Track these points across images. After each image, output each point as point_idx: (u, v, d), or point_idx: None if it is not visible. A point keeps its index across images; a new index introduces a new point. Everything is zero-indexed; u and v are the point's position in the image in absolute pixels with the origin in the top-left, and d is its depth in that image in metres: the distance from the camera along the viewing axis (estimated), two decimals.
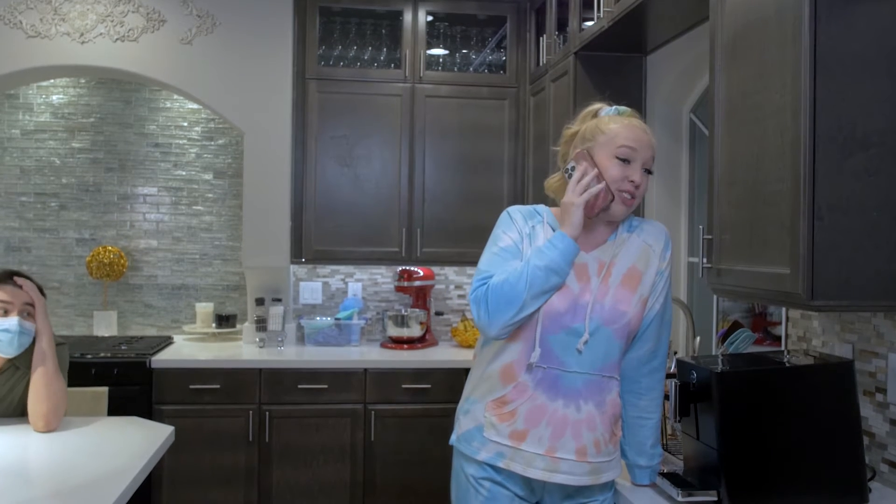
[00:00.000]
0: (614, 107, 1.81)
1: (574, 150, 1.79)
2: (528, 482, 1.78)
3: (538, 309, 1.70)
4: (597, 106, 1.83)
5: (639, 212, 3.29)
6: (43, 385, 2.33)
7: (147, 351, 3.64)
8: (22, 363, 2.44)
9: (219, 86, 3.86)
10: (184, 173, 4.33)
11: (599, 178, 1.72)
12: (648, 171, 1.75)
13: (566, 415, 1.71)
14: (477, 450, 1.77)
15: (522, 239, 1.79)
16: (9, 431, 2.32)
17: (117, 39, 3.80)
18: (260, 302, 3.97)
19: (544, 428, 1.71)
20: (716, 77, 1.96)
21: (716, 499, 1.70)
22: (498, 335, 1.73)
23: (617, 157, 1.72)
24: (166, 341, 4.01)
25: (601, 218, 1.78)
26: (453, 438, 1.87)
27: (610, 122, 1.76)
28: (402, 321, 4.01)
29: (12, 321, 2.35)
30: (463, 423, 1.83)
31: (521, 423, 1.72)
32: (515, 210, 1.85)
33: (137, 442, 2.25)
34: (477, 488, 1.79)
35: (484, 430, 1.76)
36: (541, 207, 1.86)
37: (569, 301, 1.72)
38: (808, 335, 2.23)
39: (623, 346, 1.78)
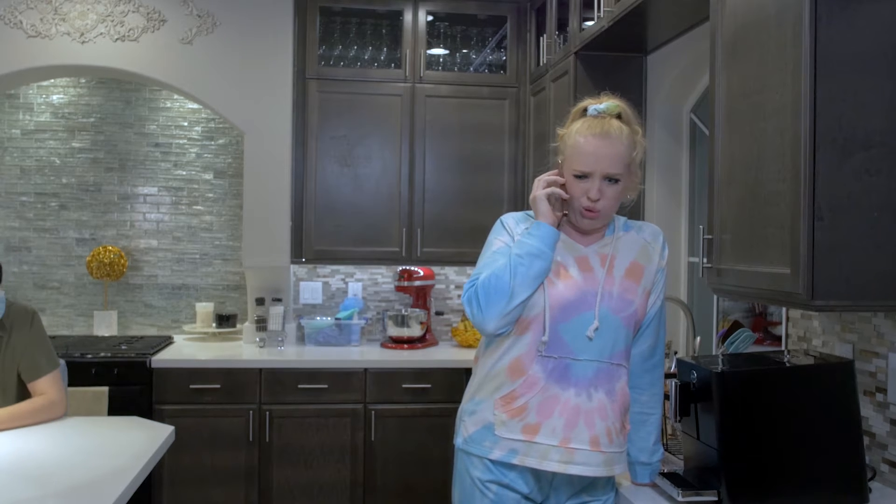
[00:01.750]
0: (594, 106, 1.79)
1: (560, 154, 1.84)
2: (537, 480, 1.78)
3: (530, 297, 1.73)
4: (584, 104, 1.83)
5: (639, 212, 3.29)
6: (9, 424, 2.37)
7: (147, 351, 3.64)
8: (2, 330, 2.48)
9: (219, 86, 3.86)
10: (184, 173, 4.33)
11: (564, 188, 1.77)
12: (613, 180, 1.74)
13: (578, 404, 1.73)
14: (489, 449, 1.77)
15: (514, 239, 1.81)
16: (9, 431, 2.32)
17: (117, 39, 3.80)
18: (260, 302, 3.97)
19: (557, 418, 1.72)
20: (716, 77, 1.96)
21: (716, 499, 1.70)
22: (495, 329, 1.75)
23: (574, 176, 1.74)
24: (166, 341, 4.02)
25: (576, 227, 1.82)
26: (459, 441, 1.86)
27: (577, 132, 1.76)
28: (402, 321, 4.01)
29: None
30: (469, 425, 1.83)
31: (534, 417, 1.73)
32: (508, 216, 1.90)
33: (138, 442, 2.25)
34: (483, 491, 1.78)
35: (495, 429, 1.76)
36: (532, 212, 1.88)
37: (576, 290, 1.76)
38: (808, 335, 2.23)
39: (631, 336, 1.81)
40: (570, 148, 1.76)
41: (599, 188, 1.72)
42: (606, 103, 1.78)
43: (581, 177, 1.73)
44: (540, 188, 1.77)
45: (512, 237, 1.82)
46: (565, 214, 1.81)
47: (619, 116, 1.77)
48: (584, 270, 1.78)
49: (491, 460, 1.77)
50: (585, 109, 1.80)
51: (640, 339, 1.86)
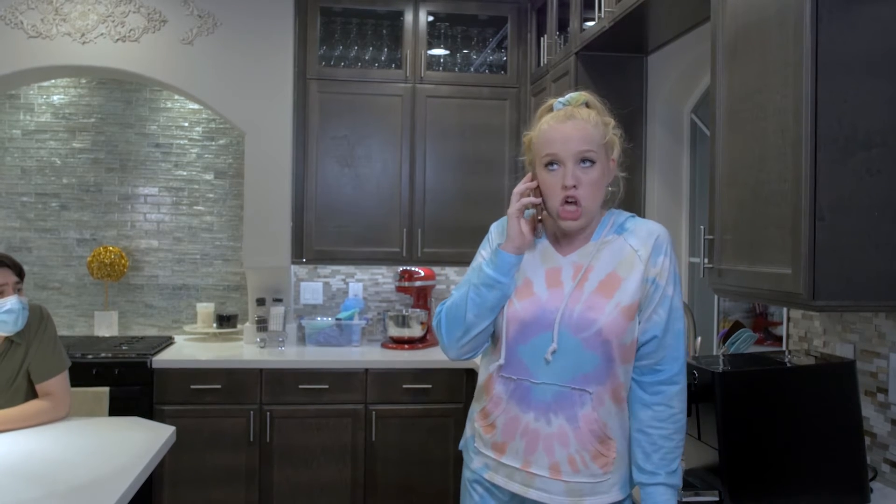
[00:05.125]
0: (559, 100, 1.69)
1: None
2: (515, 494, 1.74)
3: (488, 326, 1.69)
4: (549, 103, 1.72)
5: (639, 213, 3.29)
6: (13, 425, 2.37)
7: (148, 351, 3.64)
8: (18, 338, 2.49)
9: (219, 86, 3.86)
10: (185, 173, 4.33)
11: (537, 192, 1.67)
12: (588, 162, 1.61)
13: (538, 428, 1.65)
14: (471, 459, 1.80)
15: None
16: (9, 432, 2.32)
17: (118, 40, 3.80)
18: (261, 302, 3.97)
19: (518, 441, 1.67)
20: (717, 77, 1.96)
21: (717, 499, 1.70)
22: (456, 357, 1.76)
23: (546, 167, 1.63)
24: (167, 341, 4.02)
25: (559, 231, 1.71)
26: (461, 442, 1.89)
27: (541, 125, 1.66)
28: (402, 321, 4.01)
29: (13, 300, 2.41)
30: (466, 430, 1.86)
31: (500, 436, 1.71)
32: (496, 225, 1.83)
33: (138, 442, 2.25)
34: (471, 492, 1.80)
35: (475, 440, 1.78)
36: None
37: (535, 308, 1.66)
38: (809, 335, 2.23)
39: (601, 358, 1.62)
40: (537, 142, 1.65)
41: (574, 174, 1.60)
42: (570, 94, 1.70)
43: (552, 167, 1.61)
44: (513, 203, 1.66)
45: (493, 250, 1.76)
46: (540, 221, 1.71)
47: (586, 105, 1.69)
48: (551, 286, 1.67)
49: (471, 469, 1.80)
50: (551, 107, 1.72)
51: (643, 354, 1.66)
